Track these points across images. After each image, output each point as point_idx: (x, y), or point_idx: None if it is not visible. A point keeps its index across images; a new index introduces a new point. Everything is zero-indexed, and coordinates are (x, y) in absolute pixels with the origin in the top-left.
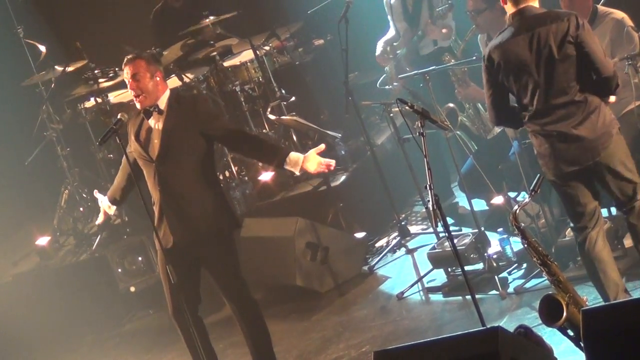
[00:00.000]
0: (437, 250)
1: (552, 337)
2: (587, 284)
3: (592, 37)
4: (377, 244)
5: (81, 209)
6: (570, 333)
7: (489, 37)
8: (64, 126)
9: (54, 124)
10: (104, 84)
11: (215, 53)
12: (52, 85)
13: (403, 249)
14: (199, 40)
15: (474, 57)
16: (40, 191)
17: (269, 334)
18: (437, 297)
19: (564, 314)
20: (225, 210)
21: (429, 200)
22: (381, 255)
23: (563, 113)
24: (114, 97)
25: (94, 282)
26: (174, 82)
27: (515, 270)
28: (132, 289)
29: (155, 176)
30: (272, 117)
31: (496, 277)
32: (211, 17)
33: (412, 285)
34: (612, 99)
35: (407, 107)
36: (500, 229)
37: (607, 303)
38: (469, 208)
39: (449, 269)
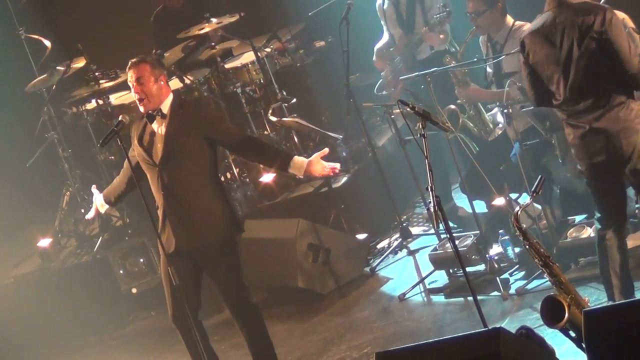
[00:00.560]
0: (438, 251)
1: (553, 338)
2: (588, 285)
3: (619, 33)
4: (379, 246)
5: (82, 210)
6: (572, 334)
7: (489, 38)
8: (65, 128)
9: (56, 125)
10: (105, 85)
11: (216, 55)
12: (53, 87)
13: (404, 251)
14: (200, 42)
15: (475, 59)
16: (42, 193)
17: (270, 338)
18: (438, 298)
19: (566, 315)
20: (228, 215)
21: (430, 202)
22: (383, 257)
23: (586, 106)
24: (115, 99)
25: (95, 284)
26: (175, 83)
27: (517, 272)
28: (134, 290)
29: (158, 180)
30: (273, 118)
31: (498, 278)
32: (212, 20)
33: (413, 287)
34: None
35: (408, 109)
36: (501, 230)
37: (608, 304)
38: (469, 210)
39: (451, 270)
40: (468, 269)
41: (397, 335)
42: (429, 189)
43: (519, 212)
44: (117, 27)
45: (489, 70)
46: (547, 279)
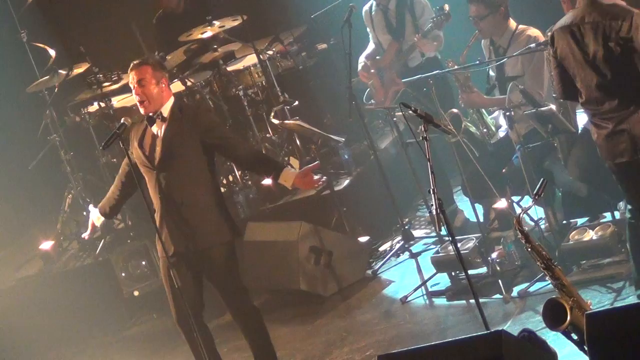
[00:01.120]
0: (440, 254)
1: (556, 340)
2: (590, 288)
3: None
4: (381, 248)
5: (84, 213)
6: (574, 337)
7: (492, 42)
8: (68, 131)
9: (58, 128)
10: (107, 88)
11: (218, 57)
12: (56, 90)
13: (407, 253)
14: (202, 45)
15: (477, 62)
16: (44, 196)
17: (270, 340)
18: (440, 301)
19: (568, 317)
20: (225, 219)
21: (432, 205)
22: (385, 259)
23: (611, 107)
24: (117, 102)
25: (97, 287)
26: (177, 86)
27: (519, 274)
28: (136, 293)
29: (156, 183)
30: (275, 121)
31: (500, 281)
32: (215, 23)
33: (415, 289)
34: None
35: (410, 111)
36: (504, 233)
37: (610, 307)
38: (468, 213)
39: (453, 273)
40: (470, 272)
41: (399, 338)
42: (432, 192)
43: (522, 215)
44: (120, 29)
45: (491, 73)
46: (549, 281)
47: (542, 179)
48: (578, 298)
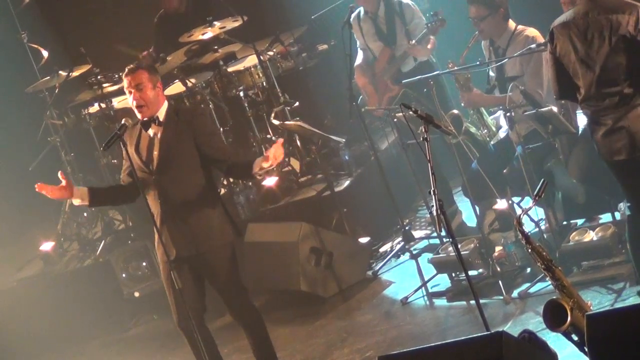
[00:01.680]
0: (441, 255)
1: (556, 341)
2: (591, 289)
3: None
4: (381, 249)
5: (85, 214)
6: (575, 338)
7: (492, 43)
8: (68, 131)
9: (58, 128)
10: (108, 88)
11: (219, 58)
12: (56, 91)
13: (407, 254)
14: (202, 45)
15: (478, 62)
16: (44, 197)
17: (270, 341)
18: (441, 302)
19: (568, 318)
20: (225, 220)
21: (433, 205)
22: (385, 260)
23: (610, 103)
24: (117, 103)
25: (98, 287)
26: (177, 87)
27: (520, 275)
28: (137, 294)
29: (155, 188)
30: (276, 122)
31: (500, 282)
32: (215, 23)
33: (416, 290)
34: None
35: (411, 112)
36: (504, 234)
37: (610, 308)
38: (466, 218)
39: (453, 274)
40: (470, 273)
41: (400, 338)
42: (432, 193)
43: (522, 216)
44: (120, 30)
45: (491, 74)
46: (550, 282)
47: (542, 180)
48: (578, 299)
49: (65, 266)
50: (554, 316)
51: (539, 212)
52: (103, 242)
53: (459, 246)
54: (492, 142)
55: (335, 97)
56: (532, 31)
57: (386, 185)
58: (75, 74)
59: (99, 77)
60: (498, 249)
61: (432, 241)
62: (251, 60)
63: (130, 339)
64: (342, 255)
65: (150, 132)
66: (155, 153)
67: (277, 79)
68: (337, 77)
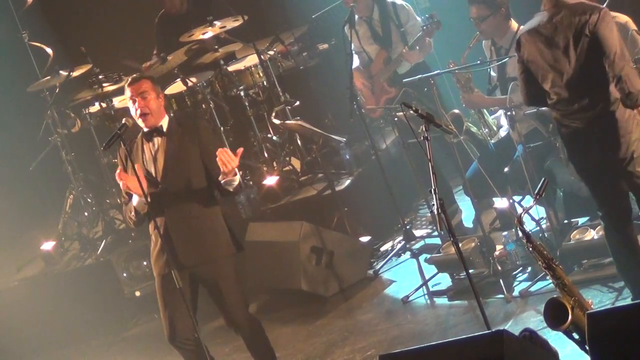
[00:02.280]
0: (441, 254)
1: (557, 340)
2: (592, 287)
3: (608, 33)
4: (382, 248)
5: (86, 213)
6: (576, 336)
7: (493, 43)
8: (68, 131)
9: (59, 129)
10: (108, 88)
11: (219, 58)
12: (57, 90)
13: (408, 253)
14: (203, 45)
15: (478, 62)
16: (45, 196)
17: (271, 346)
18: (442, 300)
19: (569, 317)
20: (228, 232)
21: (433, 204)
22: (386, 259)
23: (581, 106)
24: (118, 102)
25: (99, 287)
26: (178, 86)
27: (520, 274)
28: (137, 293)
29: (160, 199)
30: (276, 121)
31: (501, 280)
32: (216, 23)
33: (417, 289)
34: None
35: (411, 111)
36: (505, 233)
37: (611, 307)
38: (464, 218)
39: (454, 273)
40: (471, 271)
41: (401, 337)
42: (433, 192)
43: (523, 215)
44: (121, 30)
45: (493, 74)
46: (551, 281)
47: (543, 179)
48: (579, 297)
49: (66, 266)
50: (555, 315)
51: (539, 211)
52: (104, 241)
53: (460, 245)
54: (492, 141)
55: (335, 97)
56: None
57: (387, 184)
58: (75, 73)
59: (99, 76)
60: (499, 247)
61: (429, 240)
62: (252, 59)
63: (131, 338)
64: (342, 254)
65: (154, 142)
66: (160, 163)
67: (277, 79)
68: (337, 76)
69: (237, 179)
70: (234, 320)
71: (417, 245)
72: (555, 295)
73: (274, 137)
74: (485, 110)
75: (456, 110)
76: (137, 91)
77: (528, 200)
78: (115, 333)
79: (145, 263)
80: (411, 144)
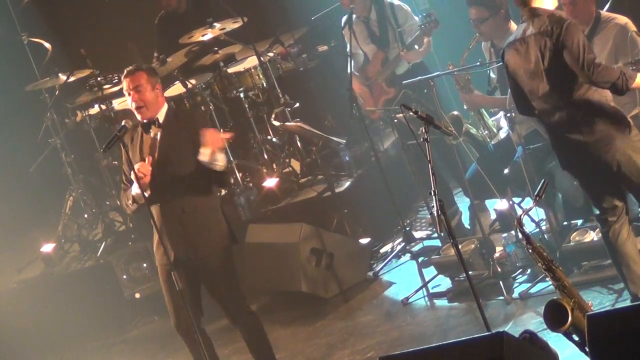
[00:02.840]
0: (441, 255)
1: (557, 342)
2: (591, 289)
3: (571, 42)
4: (382, 250)
5: (86, 215)
6: (575, 338)
7: (493, 45)
8: (68, 133)
9: (59, 131)
10: (108, 90)
11: (219, 59)
12: (57, 92)
13: (407, 255)
14: (203, 46)
15: (478, 63)
16: (45, 198)
17: (270, 344)
18: (442, 302)
19: (569, 319)
20: (223, 226)
21: (433, 206)
22: (386, 261)
23: (560, 118)
24: (118, 104)
25: (98, 289)
26: (178, 88)
27: (520, 276)
28: (137, 295)
29: (155, 190)
30: (276, 123)
31: (501, 282)
32: (215, 25)
33: (417, 291)
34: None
35: (411, 113)
36: (504, 234)
37: (611, 308)
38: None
39: (454, 275)
40: (471, 273)
41: (401, 339)
42: (432, 193)
43: (522, 217)
44: (120, 32)
45: (492, 75)
46: (550, 282)
47: (543, 180)
48: (579, 299)
49: (66, 268)
50: (555, 316)
51: (539, 213)
52: (104, 243)
53: (460, 247)
54: (492, 143)
55: (335, 98)
56: None
57: (387, 185)
58: (74, 77)
59: (99, 78)
60: (499, 249)
61: (429, 242)
62: (251, 61)
63: (130, 340)
64: (342, 256)
65: (151, 134)
66: (156, 155)
67: (277, 80)
68: (337, 78)
69: (222, 157)
70: (229, 313)
71: (417, 247)
72: (555, 297)
73: (274, 139)
74: (485, 112)
75: (455, 112)
76: (131, 84)
77: (528, 202)
78: (115, 335)
79: (145, 265)
80: (411, 145)
